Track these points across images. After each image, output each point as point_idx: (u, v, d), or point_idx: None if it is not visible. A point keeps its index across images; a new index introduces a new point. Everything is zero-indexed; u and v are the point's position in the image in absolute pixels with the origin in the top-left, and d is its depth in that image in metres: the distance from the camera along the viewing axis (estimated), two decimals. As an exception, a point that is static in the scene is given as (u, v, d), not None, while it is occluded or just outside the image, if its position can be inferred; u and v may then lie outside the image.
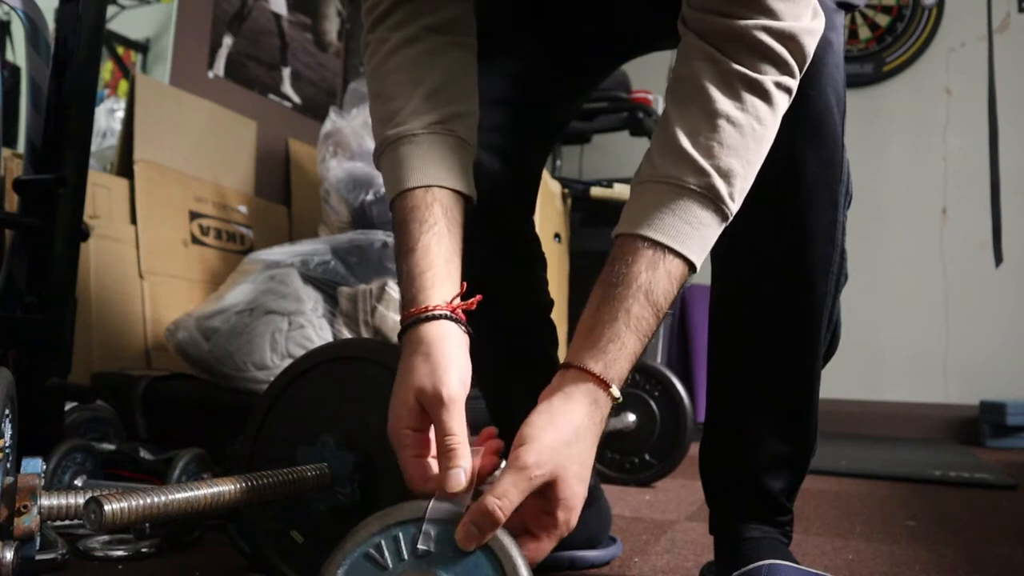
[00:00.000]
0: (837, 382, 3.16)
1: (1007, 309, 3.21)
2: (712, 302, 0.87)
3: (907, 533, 1.31)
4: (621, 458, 1.70)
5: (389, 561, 0.57)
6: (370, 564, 0.57)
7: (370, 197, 1.96)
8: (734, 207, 0.68)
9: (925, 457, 2.42)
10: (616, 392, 0.64)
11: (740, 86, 0.67)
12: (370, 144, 2.01)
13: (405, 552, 0.57)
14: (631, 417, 1.69)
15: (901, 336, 3.36)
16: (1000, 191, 2.24)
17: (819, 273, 0.79)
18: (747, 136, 0.67)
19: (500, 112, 0.89)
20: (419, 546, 0.57)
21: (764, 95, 0.67)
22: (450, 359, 0.65)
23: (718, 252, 0.85)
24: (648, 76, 2.94)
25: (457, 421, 0.62)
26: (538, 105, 0.96)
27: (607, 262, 0.69)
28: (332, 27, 3.00)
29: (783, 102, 0.69)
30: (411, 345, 0.66)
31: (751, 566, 0.78)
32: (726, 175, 0.66)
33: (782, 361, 0.82)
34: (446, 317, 0.67)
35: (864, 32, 3.55)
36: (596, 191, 2.51)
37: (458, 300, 0.70)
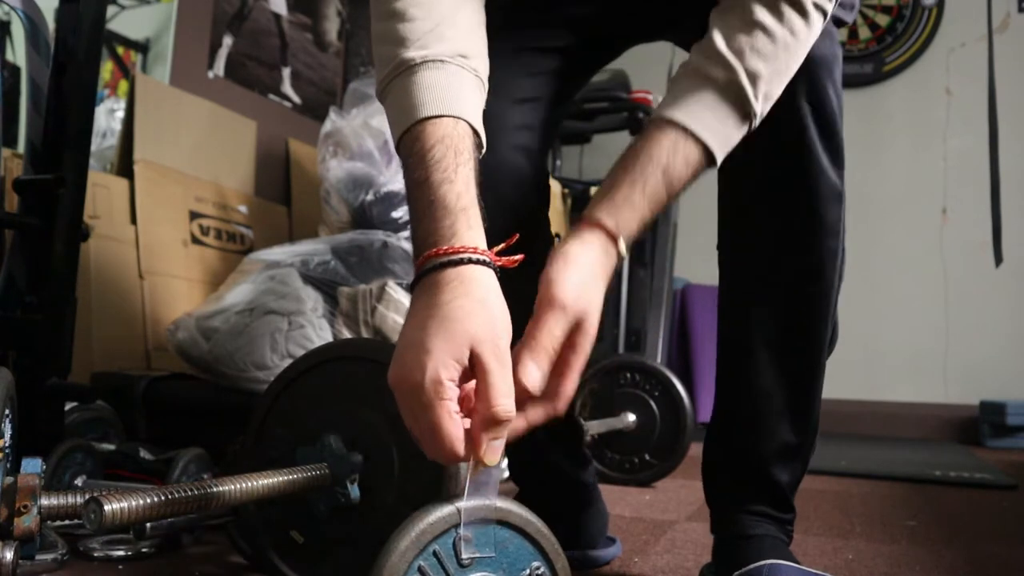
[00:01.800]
0: (837, 382, 3.15)
1: (1007, 309, 3.21)
2: (722, 296, 0.88)
3: (907, 533, 1.31)
4: (621, 458, 1.70)
5: None
6: None
7: (370, 197, 1.96)
8: (758, 108, 0.72)
9: (925, 457, 2.42)
10: (623, 249, 0.69)
11: (782, 3, 0.71)
12: (370, 145, 2.01)
13: (451, 567, 0.54)
14: (631, 417, 1.69)
15: (901, 336, 3.36)
16: (1000, 191, 2.24)
17: (829, 265, 0.82)
18: (778, 45, 0.71)
19: (529, 110, 0.90)
20: (463, 556, 0.54)
21: (802, 11, 0.72)
22: (506, 312, 0.58)
23: (726, 245, 0.87)
24: (648, 76, 2.94)
25: (511, 385, 0.56)
26: (559, 102, 0.97)
27: (632, 142, 0.74)
28: (332, 27, 3.00)
29: (818, 22, 0.74)
30: (461, 285, 0.57)
31: (752, 566, 0.78)
32: (752, 76, 0.71)
33: (793, 353, 0.84)
34: (492, 267, 0.61)
35: (864, 32, 3.55)
36: (596, 191, 2.52)
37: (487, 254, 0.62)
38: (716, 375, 0.89)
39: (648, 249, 2.60)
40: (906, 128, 3.44)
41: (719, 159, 0.72)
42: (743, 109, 0.71)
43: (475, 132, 0.67)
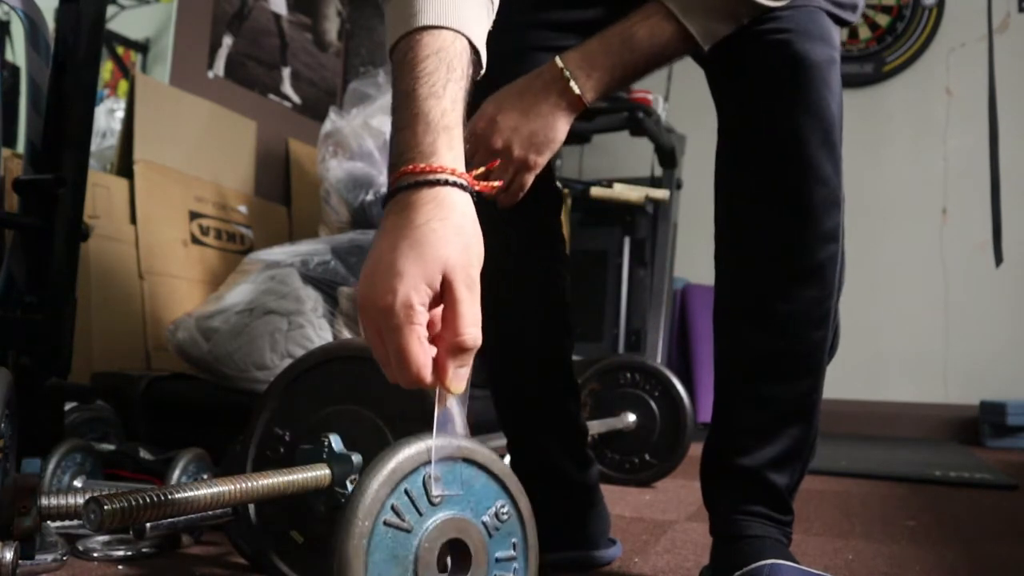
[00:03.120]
0: (837, 382, 3.14)
1: (1007, 309, 3.21)
2: (719, 304, 0.88)
3: (907, 533, 1.31)
4: (621, 458, 1.70)
5: (411, 521, 0.53)
6: (393, 531, 0.53)
7: (370, 197, 1.96)
8: None
9: (925, 457, 2.42)
10: (575, 87, 0.80)
11: None
12: (370, 144, 2.01)
13: (422, 506, 0.54)
14: (631, 417, 1.69)
15: (901, 336, 3.36)
16: (1000, 191, 2.23)
17: (828, 271, 0.82)
18: None
19: None
20: (434, 494, 0.54)
21: None
22: (480, 240, 0.58)
23: (723, 254, 0.87)
24: (648, 76, 2.94)
25: (479, 314, 0.55)
26: None
27: None
28: (332, 27, 3.00)
29: None
30: (437, 208, 0.56)
31: (752, 566, 0.78)
32: None
33: (793, 360, 0.84)
34: (470, 192, 0.59)
35: (864, 32, 3.55)
36: (596, 191, 2.51)
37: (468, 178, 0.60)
38: (715, 381, 0.89)
39: (648, 249, 2.59)
40: (906, 128, 3.44)
41: (698, 37, 0.79)
42: None
43: (475, 50, 0.64)
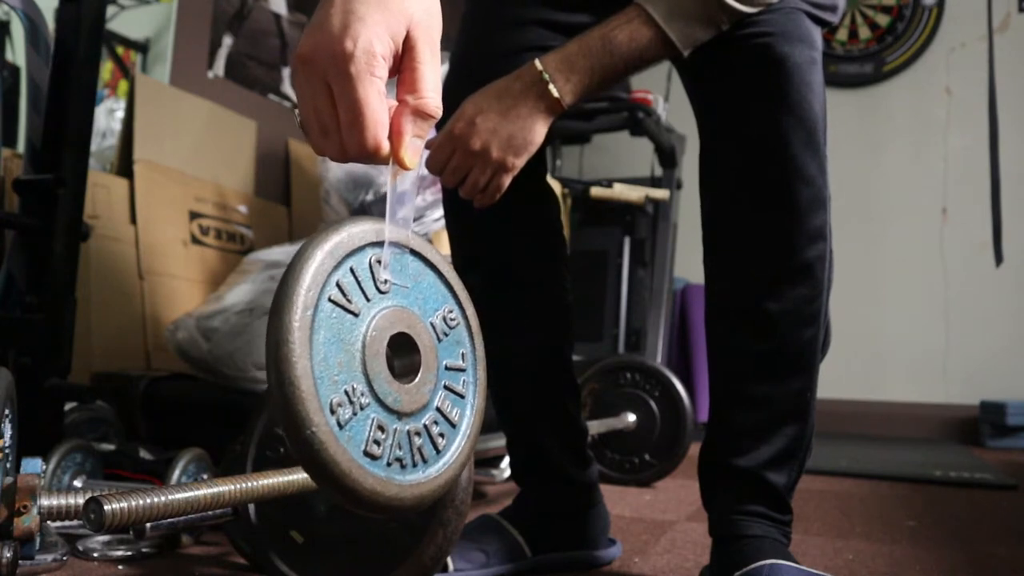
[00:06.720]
0: (838, 382, 3.16)
1: (1007, 309, 3.21)
2: (710, 306, 0.88)
3: (907, 533, 1.31)
4: (621, 458, 1.70)
5: (358, 304, 0.47)
6: (339, 311, 0.46)
7: (370, 197, 1.96)
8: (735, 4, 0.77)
9: (925, 457, 2.42)
10: (555, 90, 0.80)
11: None
12: (370, 144, 2.01)
13: (369, 289, 0.48)
14: (631, 417, 1.69)
15: (901, 336, 3.36)
16: (1000, 191, 2.24)
17: (817, 269, 0.82)
18: None
19: None
20: (381, 278, 0.49)
21: None
22: (440, 9, 0.52)
23: (712, 255, 0.87)
24: (648, 76, 2.94)
25: (440, 83, 0.50)
26: None
27: None
28: (332, 27, 3.00)
29: None
30: None
31: (752, 566, 0.78)
32: None
33: (785, 359, 0.84)
34: None
35: (864, 32, 3.55)
36: (596, 191, 2.51)
37: None
38: (709, 382, 0.89)
39: (648, 249, 2.59)
40: (906, 128, 3.44)
41: (677, 43, 0.79)
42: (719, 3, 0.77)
43: None
